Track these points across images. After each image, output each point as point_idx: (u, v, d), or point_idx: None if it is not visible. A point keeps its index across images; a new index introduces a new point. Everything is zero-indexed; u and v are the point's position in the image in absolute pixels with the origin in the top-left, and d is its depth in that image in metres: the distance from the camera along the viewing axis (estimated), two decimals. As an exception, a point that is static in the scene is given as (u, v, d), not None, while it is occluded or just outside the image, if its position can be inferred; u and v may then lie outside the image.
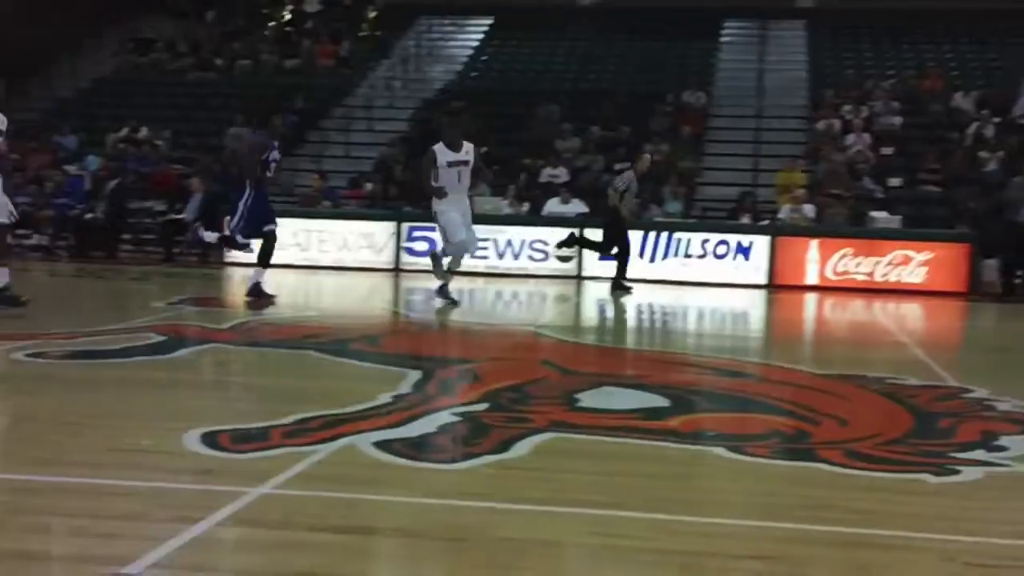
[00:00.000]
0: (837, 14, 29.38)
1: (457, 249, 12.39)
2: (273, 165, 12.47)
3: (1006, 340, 13.24)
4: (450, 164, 12.04)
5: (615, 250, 16.22)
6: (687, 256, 17.88)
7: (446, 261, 12.65)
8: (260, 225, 12.54)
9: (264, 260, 12.75)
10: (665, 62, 27.50)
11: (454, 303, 12.59)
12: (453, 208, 12.12)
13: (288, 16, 32.99)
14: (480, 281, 17.12)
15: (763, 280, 17.68)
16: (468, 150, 12.16)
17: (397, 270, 18.31)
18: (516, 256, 18.31)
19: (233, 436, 5.78)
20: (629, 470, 5.49)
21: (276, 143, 12.60)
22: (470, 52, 29.84)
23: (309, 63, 28.85)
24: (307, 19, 32.36)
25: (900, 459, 5.79)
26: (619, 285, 15.81)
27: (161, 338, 9.30)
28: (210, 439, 5.69)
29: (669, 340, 11.71)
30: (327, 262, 18.37)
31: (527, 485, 5.11)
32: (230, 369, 8.46)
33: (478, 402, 6.94)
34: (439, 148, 12.08)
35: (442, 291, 12.68)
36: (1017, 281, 17.44)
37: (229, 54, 29.29)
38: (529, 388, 7.65)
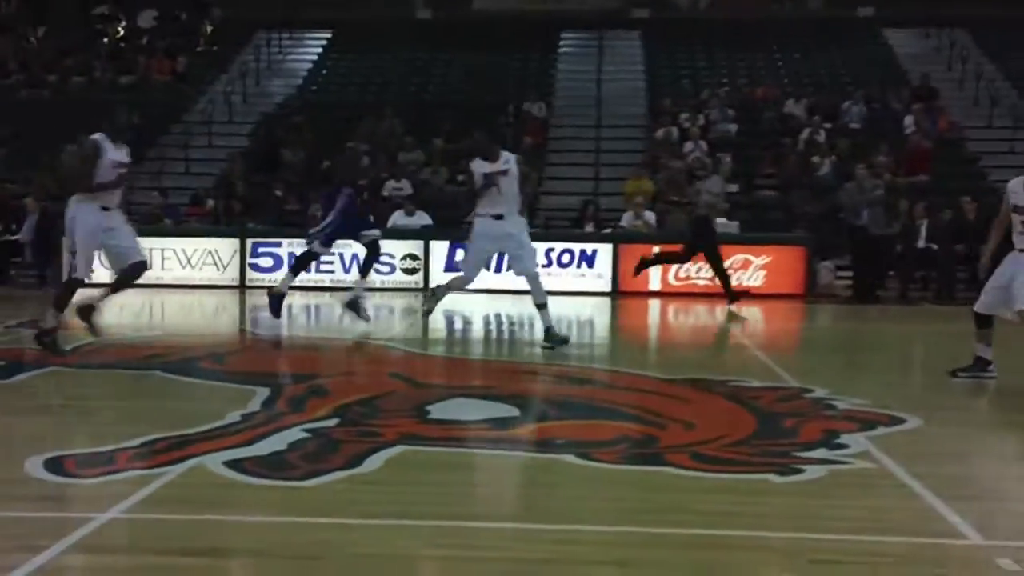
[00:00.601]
0: (672, 24, 30.04)
1: (461, 281, 11.19)
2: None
3: (843, 341, 13.66)
4: (487, 176, 10.70)
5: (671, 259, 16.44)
6: (533, 265, 18.00)
7: (450, 280, 11.52)
8: (358, 230, 12.16)
9: (366, 269, 12.52)
10: (505, 73, 27.71)
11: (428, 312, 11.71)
12: (489, 233, 10.78)
13: (122, 32, 32.22)
14: (326, 296, 16.97)
15: (607, 288, 17.91)
16: (507, 159, 10.78)
17: (243, 287, 18.02)
18: (363, 270, 18.20)
19: (78, 461, 5.64)
20: (481, 480, 5.52)
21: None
22: (309, 66, 29.60)
23: (145, 79, 28.26)
24: (142, 35, 31.67)
25: (745, 460, 5.94)
26: (734, 298, 15.55)
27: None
28: (54, 465, 5.54)
29: (517, 350, 11.79)
30: (170, 280, 17.98)
31: (380, 499, 5.10)
32: (73, 393, 8.22)
33: (328, 417, 6.89)
34: (475, 163, 10.83)
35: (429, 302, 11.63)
36: (872, 283, 17.97)
37: (62, 71, 28.51)
38: (379, 402, 7.62)
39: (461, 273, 11.25)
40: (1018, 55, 27.23)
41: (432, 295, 11.65)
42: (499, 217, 10.69)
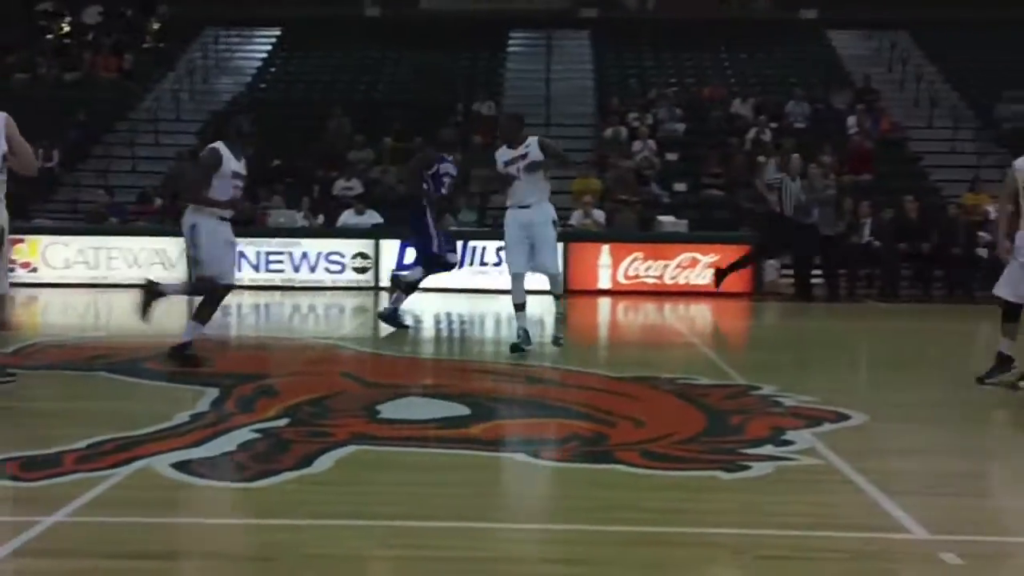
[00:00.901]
0: (620, 24, 30.16)
1: (512, 281, 10.50)
2: (447, 180, 11.39)
3: (789, 338, 13.79)
4: (507, 163, 10.14)
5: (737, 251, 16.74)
6: (483, 264, 18.04)
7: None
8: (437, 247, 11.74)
9: (411, 288, 12.07)
10: (454, 72, 27.72)
11: (521, 348, 10.36)
12: (514, 221, 10.27)
13: (66, 28, 31.87)
14: (277, 295, 16.90)
15: (557, 286, 17.96)
16: (530, 143, 10.10)
17: (190, 286, 17.90)
18: (312, 269, 18.14)
19: (23, 463, 5.57)
20: (432, 480, 5.52)
21: (448, 157, 11.55)
22: (258, 64, 29.46)
23: (90, 76, 27.99)
24: (87, 31, 31.35)
25: (694, 457, 5.99)
26: (722, 275, 16.20)
27: (-61, 365, 8.88)
28: (-3, 468, 5.48)
29: (468, 349, 11.80)
30: (117, 280, 17.81)
31: (331, 500, 5.09)
32: (16, 394, 8.10)
33: (278, 418, 6.86)
34: (499, 151, 10.32)
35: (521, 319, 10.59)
36: (814, 281, 18.11)
37: (5, 68, 28.18)
38: (329, 401, 7.61)
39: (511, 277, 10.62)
40: (958, 57, 27.69)
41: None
42: (524, 207, 10.21)
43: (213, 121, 25.13)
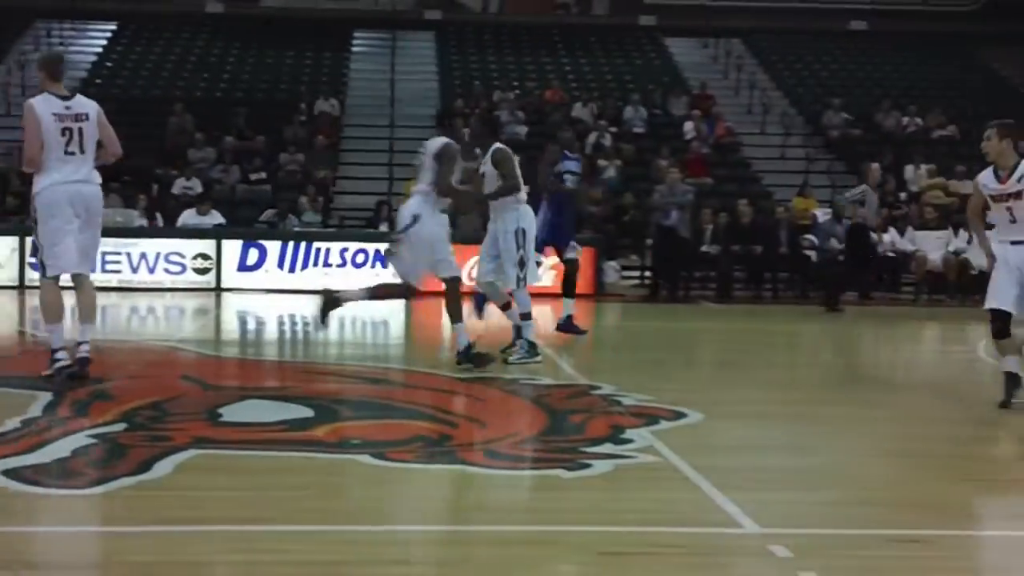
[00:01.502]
0: (463, 27, 30.30)
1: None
2: (568, 177, 11.63)
3: (629, 339, 14.05)
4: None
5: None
6: (327, 265, 17.91)
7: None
8: (563, 242, 11.71)
9: (569, 290, 11.90)
10: (297, 71, 27.48)
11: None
12: (488, 232, 10.17)
13: None
14: (114, 296, 16.48)
15: (402, 287, 17.94)
16: (486, 160, 9.93)
17: (22, 287, 17.31)
18: (151, 270, 17.73)
19: None
20: (275, 483, 5.49)
21: (571, 155, 11.70)
22: (93, 59, 28.65)
23: (-89, 69, 26.89)
24: (-92, 22, 30.08)
25: (536, 456, 6.09)
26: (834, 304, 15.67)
27: None
28: None
29: (311, 350, 11.72)
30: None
31: (169, 505, 5.02)
32: None
33: (115, 422, 6.71)
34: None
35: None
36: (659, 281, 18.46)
37: None
38: (169, 405, 7.47)
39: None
40: (788, 66, 28.66)
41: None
42: (494, 221, 10.01)
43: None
